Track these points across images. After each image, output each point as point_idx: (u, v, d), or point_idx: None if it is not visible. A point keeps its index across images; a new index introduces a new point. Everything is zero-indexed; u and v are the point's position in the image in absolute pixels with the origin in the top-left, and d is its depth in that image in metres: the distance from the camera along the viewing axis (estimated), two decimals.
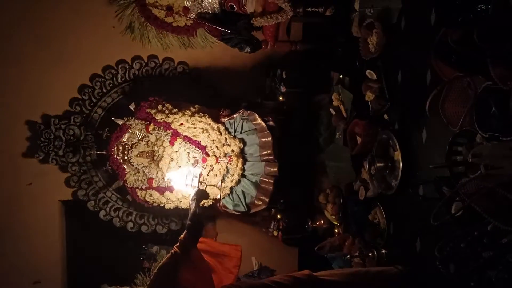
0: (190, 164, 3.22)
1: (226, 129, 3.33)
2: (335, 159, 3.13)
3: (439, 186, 1.94)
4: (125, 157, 3.32)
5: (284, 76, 3.47)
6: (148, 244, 3.94)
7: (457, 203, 1.75)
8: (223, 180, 3.30)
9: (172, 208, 3.41)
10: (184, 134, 3.24)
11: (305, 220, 3.41)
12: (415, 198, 2.22)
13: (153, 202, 3.39)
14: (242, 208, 3.40)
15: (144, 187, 3.33)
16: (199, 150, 3.24)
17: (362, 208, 2.75)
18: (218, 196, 3.24)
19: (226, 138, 3.30)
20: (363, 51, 2.62)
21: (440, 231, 1.82)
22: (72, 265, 3.85)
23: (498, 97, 1.60)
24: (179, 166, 3.22)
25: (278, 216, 3.59)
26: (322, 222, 3.32)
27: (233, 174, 3.29)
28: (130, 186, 3.38)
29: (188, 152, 3.24)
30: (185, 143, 3.23)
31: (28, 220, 3.67)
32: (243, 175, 3.34)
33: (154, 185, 3.27)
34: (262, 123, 3.31)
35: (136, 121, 3.31)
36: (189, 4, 3.23)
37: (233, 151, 3.28)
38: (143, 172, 3.31)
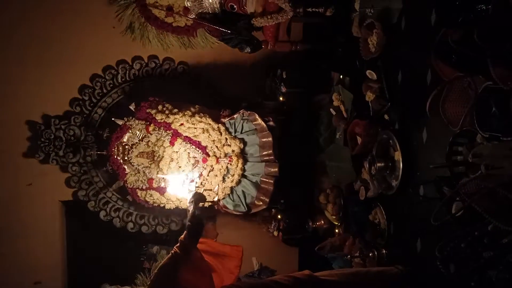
0: (191, 165, 3.23)
1: (227, 129, 3.33)
2: (336, 159, 3.13)
3: (439, 186, 1.95)
4: (126, 158, 3.33)
5: (284, 76, 3.48)
6: (149, 245, 3.94)
7: (458, 203, 1.75)
8: (223, 180, 3.30)
9: (172, 208, 3.41)
10: (184, 135, 3.24)
11: (306, 220, 3.41)
12: (416, 198, 2.22)
13: (154, 202, 3.39)
14: (242, 208, 3.41)
15: (144, 187, 3.34)
16: (200, 151, 3.24)
17: (363, 208, 2.75)
18: (216, 198, 3.25)
19: (226, 139, 3.30)
20: (363, 51, 2.61)
21: (440, 231, 1.82)
22: (72, 265, 3.84)
23: (499, 97, 1.60)
24: (179, 167, 3.22)
25: (279, 216, 3.60)
26: (323, 222, 3.32)
27: (234, 174, 3.29)
28: (131, 187, 3.38)
29: (189, 153, 3.24)
30: (186, 143, 3.23)
31: (29, 220, 3.67)
32: (243, 175, 3.34)
33: (155, 185, 3.27)
34: (263, 123, 3.31)
35: (137, 121, 3.31)
36: (189, 5, 3.23)
37: (233, 151, 3.28)
38: (144, 172, 3.31)
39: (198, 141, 3.25)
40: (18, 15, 3.50)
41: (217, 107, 3.47)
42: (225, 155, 3.28)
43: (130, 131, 3.32)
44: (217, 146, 3.27)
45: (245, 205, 3.39)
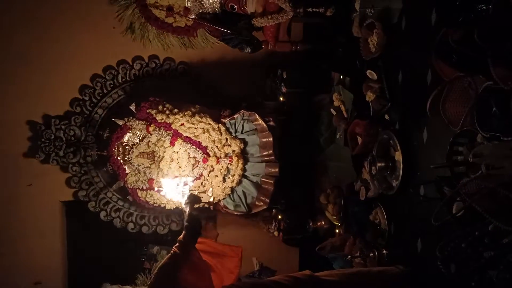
0: (191, 165, 3.23)
1: (227, 129, 3.33)
2: (336, 159, 3.13)
3: (440, 186, 1.95)
4: (126, 158, 3.33)
5: (284, 76, 3.48)
6: (149, 245, 3.94)
7: (458, 203, 1.75)
8: (224, 180, 3.30)
9: (172, 208, 3.41)
10: (184, 135, 3.24)
11: (306, 220, 3.41)
12: (416, 198, 2.22)
13: (154, 202, 3.40)
14: (243, 209, 3.41)
15: (144, 187, 3.34)
16: (200, 151, 3.24)
17: (363, 208, 2.75)
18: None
19: (226, 139, 3.30)
20: (363, 51, 2.61)
21: (441, 231, 1.81)
22: (72, 265, 3.84)
23: (499, 97, 1.60)
24: (180, 167, 3.22)
25: (279, 217, 3.59)
26: (323, 222, 3.32)
27: (234, 175, 3.29)
28: (131, 187, 3.38)
29: (189, 153, 3.24)
30: (186, 143, 3.23)
31: (29, 220, 3.67)
32: (244, 176, 3.34)
33: (155, 185, 3.27)
34: (263, 123, 3.31)
35: (137, 121, 3.31)
36: (189, 5, 3.23)
37: (233, 151, 3.28)
38: (144, 172, 3.31)
39: (199, 141, 3.25)
40: (19, 16, 3.51)
41: (218, 107, 3.47)
42: (226, 155, 3.28)
43: (130, 131, 3.33)
44: (217, 146, 3.27)
45: (245, 205, 3.39)
